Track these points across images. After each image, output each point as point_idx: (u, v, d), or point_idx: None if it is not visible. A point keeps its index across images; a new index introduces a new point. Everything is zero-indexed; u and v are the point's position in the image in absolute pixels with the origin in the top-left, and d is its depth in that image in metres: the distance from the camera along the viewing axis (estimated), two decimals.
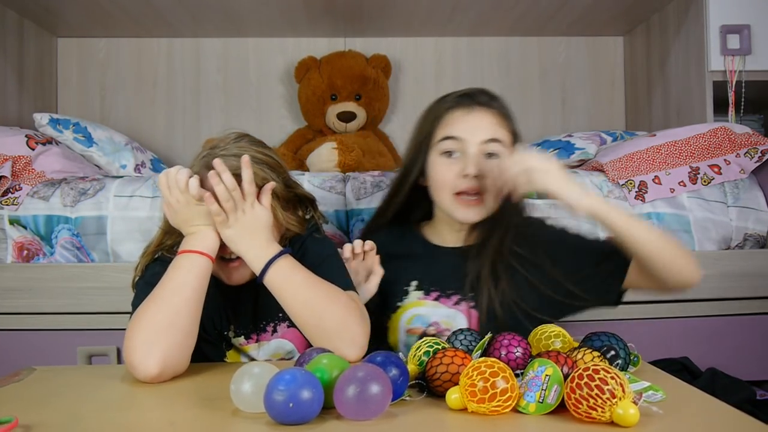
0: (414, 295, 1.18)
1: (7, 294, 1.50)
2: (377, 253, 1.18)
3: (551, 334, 0.90)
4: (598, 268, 1.12)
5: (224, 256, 1.06)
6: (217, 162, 1.00)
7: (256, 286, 1.09)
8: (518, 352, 0.83)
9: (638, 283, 1.11)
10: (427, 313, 1.16)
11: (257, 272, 1.02)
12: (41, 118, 1.85)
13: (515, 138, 1.18)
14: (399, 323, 1.18)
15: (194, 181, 1.00)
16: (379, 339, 1.18)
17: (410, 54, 2.60)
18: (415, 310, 1.17)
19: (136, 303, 1.01)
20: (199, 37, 2.54)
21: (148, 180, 1.62)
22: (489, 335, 0.89)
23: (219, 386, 0.86)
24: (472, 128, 1.14)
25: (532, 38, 2.61)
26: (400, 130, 2.53)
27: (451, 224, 1.20)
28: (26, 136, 1.73)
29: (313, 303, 0.99)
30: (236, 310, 1.13)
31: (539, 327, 0.93)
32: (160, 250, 1.12)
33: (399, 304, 1.18)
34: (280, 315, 1.11)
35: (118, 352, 1.48)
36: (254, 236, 1.02)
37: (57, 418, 0.76)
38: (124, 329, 1.47)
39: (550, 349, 0.86)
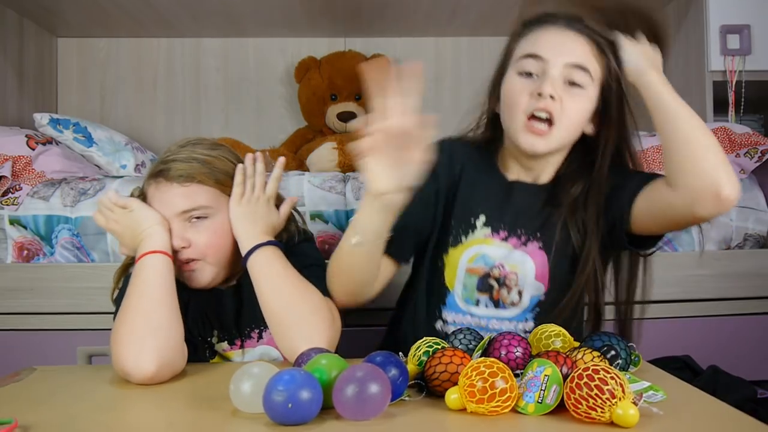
0: (481, 232, 1.07)
1: (7, 294, 1.50)
2: (440, 184, 1.09)
3: (551, 334, 0.90)
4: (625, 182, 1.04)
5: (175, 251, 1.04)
6: (259, 155, 1.11)
7: (239, 290, 1.10)
8: (518, 351, 0.83)
9: (661, 199, 0.98)
10: (493, 253, 1.06)
11: (244, 252, 1.03)
12: (41, 118, 1.85)
13: (614, 78, 1.04)
14: (460, 260, 1.07)
15: (111, 192, 1.08)
16: (428, 280, 1.10)
17: (410, 54, 2.60)
18: (479, 248, 1.07)
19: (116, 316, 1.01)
20: (199, 37, 2.54)
21: None
22: (489, 335, 0.89)
23: (218, 386, 0.86)
24: (559, 48, 1.00)
25: None
26: None
27: (518, 157, 1.08)
28: (26, 136, 1.73)
29: (284, 293, 1.00)
30: (219, 315, 1.11)
31: (539, 327, 0.93)
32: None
33: (463, 239, 1.07)
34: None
35: None
36: (254, 224, 1.05)
37: (57, 417, 0.76)
38: None
39: (549, 349, 0.86)
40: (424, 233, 1.09)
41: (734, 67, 1.95)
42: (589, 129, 1.08)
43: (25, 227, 1.55)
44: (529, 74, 1.02)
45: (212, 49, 2.57)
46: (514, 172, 1.11)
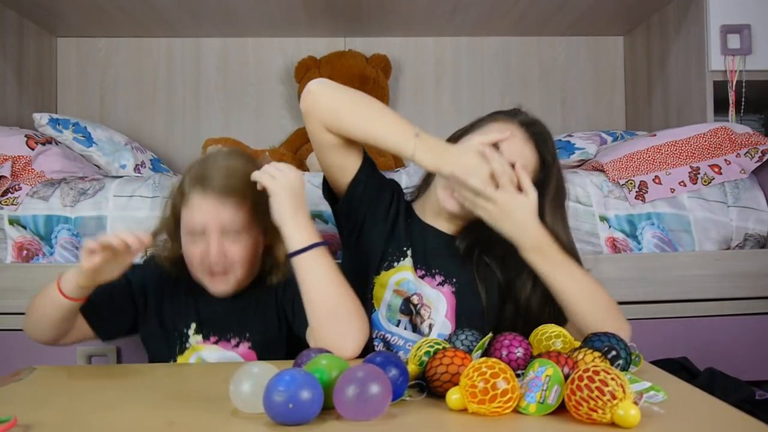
0: (408, 262, 1.19)
1: (7, 294, 1.50)
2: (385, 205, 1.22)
3: (552, 335, 0.90)
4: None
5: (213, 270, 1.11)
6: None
7: (236, 299, 1.15)
8: (519, 352, 0.83)
9: None
10: (415, 283, 1.18)
11: (291, 249, 1.05)
12: (41, 118, 1.85)
13: (545, 164, 1.18)
14: (389, 281, 1.18)
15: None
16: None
17: (410, 54, 2.60)
18: (406, 274, 1.18)
19: None
20: (199, 37, 2.54)
21: (147, 180, 1.62)
22: (490, 335, 0.89)
23: (218, 386, 0.86)
24: (513, 151, 1.13)
25: (532, 38, 2.61)
26: None
27: (439, 211, 1.21)
28: (26, 136, 1.73)
29: (334, 289, 1.04)
30: (203, 313, 1.16)
31: (539, 328, 0.93)
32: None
33: (396, 263, 1.19)
34: (247, 335, 1.16)
35: (118, 352, 1.48)
36: (300, 212, 1.07)
37: (57, 417, 0.76)
38: None
39: (550, 350, 0.86)
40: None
41: (735, 66, 1.95)
42: None
43: (24, 227, 1.55)
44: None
45: (212, 49, 2.57)
46: (430, 218, 1.23)
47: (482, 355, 0.86)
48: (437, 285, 1.19)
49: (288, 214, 1.06)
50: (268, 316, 1.17)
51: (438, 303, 1.17)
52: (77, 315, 1.11)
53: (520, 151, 1.15)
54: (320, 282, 1.04)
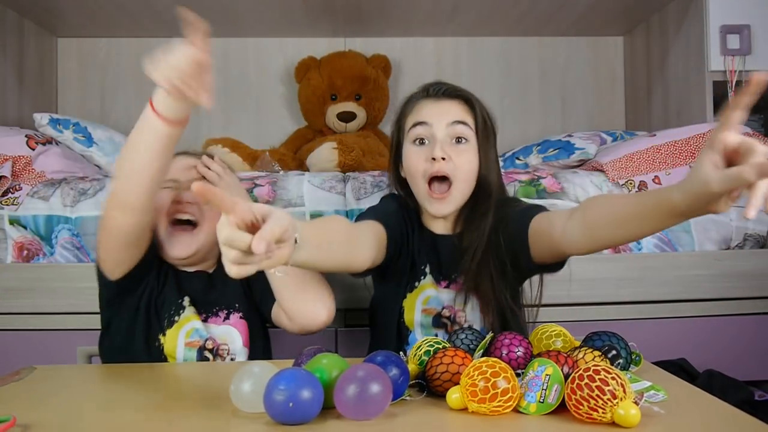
0: (428, 279, 1.18)
1: (7, 294, 1.50)
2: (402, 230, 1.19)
3: (552, 334, 0.90)
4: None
5: (182, 217, 1.17)
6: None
7: (210, 276, 1.22)
8: (519, 351, 0.83)
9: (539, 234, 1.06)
10: (441, 297, 1.17)
11: None
12: (41, 118, 1.85)
13: (486, 125, 1.18)
14: (416, 302, 1.17)
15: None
16: (383, 324, 1.20)
17: (410, 54, 2.60)
18: (429, 292, 1.17)
19: None
20: None
21: None
22: (490, 335, 0.89)
23: (218, 386, 0.86)
24: (439, 112, 1.15)
25: (532, 38, 2.62)
26: None
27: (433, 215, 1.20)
28: (26, 136, 1.73)
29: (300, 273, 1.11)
30: (189, 291, 1.20)
31: (540, 327, 0.93)
32: None
33: (416, 283, 1.18)
34: (237, 305, 1.21)
35: None
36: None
37: (56, 417, 0.76)
38: None
39: (550, 349, 0.86)
40: (384, 242, 1.13)
41: (734, 67, 1.95)
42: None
43: (25, 227, 1.55)
44: (421, 141, 1.15)
45: (212, 49, 2.55)
46: (437, 227, 1.21)
47: (483, 355, 0.86)
48: (461, 290, 1.17)
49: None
50: (246, 286, 1.22)
51: (469, 305, 1.16)
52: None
53: (459, 115, 1.15)
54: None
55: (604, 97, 2.63)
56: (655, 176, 1.64)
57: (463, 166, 1.13)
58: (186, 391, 0.88)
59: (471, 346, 0.89)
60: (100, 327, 1.47)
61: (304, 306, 1.10)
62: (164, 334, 1.15)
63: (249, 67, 2.58)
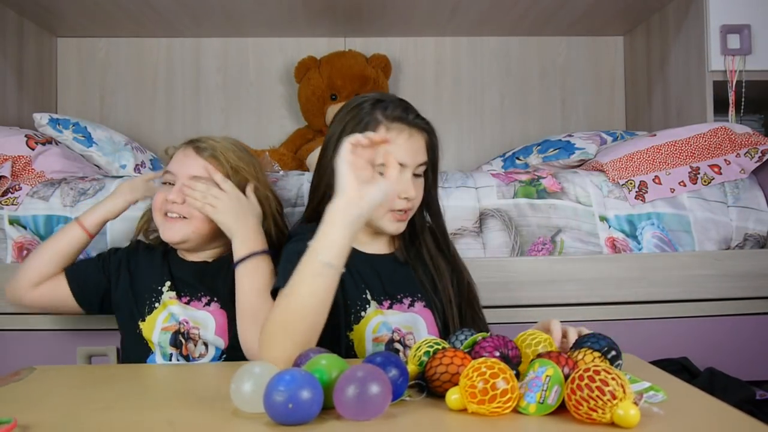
0: (373, 304, 1.15)
1: (7, 294, 1.49)
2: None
3: (533, 343, 0.89)
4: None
5: (171, 215, 1.22)
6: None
7: (205, 266, 1.27)
8: (497, 354, 0.82)
9: None
10: (388, 320, 1.14)
11: (236, 258, 1.16)
12: (41, 118, 1.85)
13: (437, 154, 1.20)
14: (365, 333, 1.14)
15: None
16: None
17: (410, 54, 2.60)
18: (377, 318, 1.14)
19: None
20: (199, 37, 2.54)
21: None
22: (482, 334, 0.88)
23: (219, 386, 0.86)
24: (412, 152, 1.13)
25: (532, 38, 2.62)
26: None
27: (366, 231, 1.19)
28: (26, 136, 1.73)
29: (258, 295, 1.14)
30: (176, 275, 1.26)
31: (524, 333, 0.91)
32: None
33: (362, 314, 1.14)
34: (221, 296, 1.24)
35: (118, 352, 1.48)
36: (246, 220, 1.19)
37: (56, 417, 0.76)
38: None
39: (551, 350, 0.86)
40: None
41: (734, 66, 1.95)
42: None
43: (24, 227, 1.55)
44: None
45: (212, 49, 2.57)
46: (371, 247, 1.20)
47: (469, 353, 0.85)
48: (408, 307, 1.16)
49: (233, 231, 1.18)
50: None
51: (418, 324, 1.16)
52: (69, 261, 1.31)
53: (424, 155, 1.16)
54: (248, 287, 1.15)
55: (604, 97, 2.63)
56: (656, 176, 1.64)
57: (419, 196, 1.18)
58: (186, 391, 0.88)
59: None
60: (105, 328, 1.49)
61: (252, 344, 1.13)
62: (144, 320, 1.23)
63: (249, 67, 2.58)
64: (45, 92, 2.44)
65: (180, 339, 1.20)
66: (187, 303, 1.24)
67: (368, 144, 0.95)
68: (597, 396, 0.68)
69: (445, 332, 1.17)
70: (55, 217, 1.55)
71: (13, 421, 0.70)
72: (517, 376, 0.77)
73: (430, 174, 1.20)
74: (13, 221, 1.55)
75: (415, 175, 1.16)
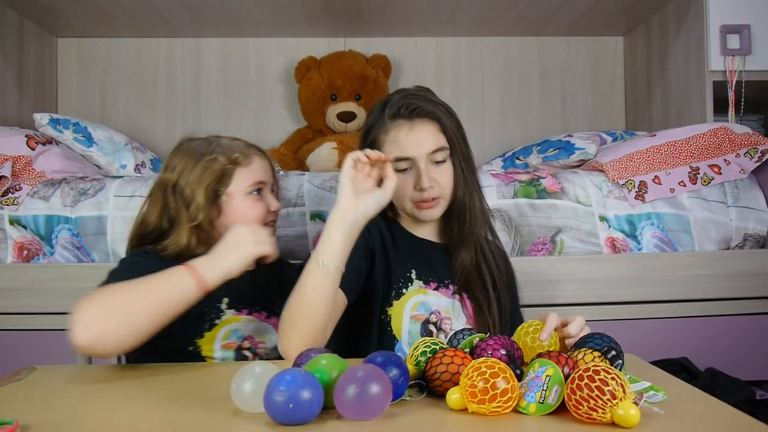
0: (417, 283, 1.19)
1: (7, 294, 1.50)
2: (372, 243, 1.20)
3: (530, 330, 0.90)
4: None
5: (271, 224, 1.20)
6: None
7: (253, 273, 1.15)
8: (503, 353, 0.82)
9: None
10: (429, 301, 1.18)
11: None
12: (41, 118, 1.85)
13: (458, 137, 1.20)
14: (404, 309, 1.18)
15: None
16: (370, 333, 1.18)
17: (410, 54, 2.61)
18: (418, 297, 1.18)
19: (110, 279, 1.07)
20: (199, 37, 2.55)
21: (148, 180, 1.62)
22: (482, 334, 0.89)
23: (219, 386, 0.86)
24: (417, 143, 1.16)
25: (532, 38, 2.62)
26: None
27: (416, 220, 1.24)
28: (26, 136, 1.73)
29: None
30: (230, 289, 1.13)
31: (523, 324, 0.93)
32: (145, 242, 1.18)
33: (404, 290, 1.19)
34: (277, 310, 1.14)
35: None
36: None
37: (57, 417, 0.76)
38: None
39: (551, 350, 0.86)
40: (364, 276, 1.17)
41: (734, 67, 1.95)
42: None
43: (25, 227, 1.55)
44: (404, 170, 1.17)
45: (212, 49, 2.57)
46: (423, 232, 1.25)
47: (470, 353, 0.85)
48: (452, 294, 1.19)
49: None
50: (284, 291, 1.18)
51: (458, 312, 1.18)
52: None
53: (436, 142, 1.16)
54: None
55: (604, 97, 2.63)
56: (655, 176, 1.64)
57: (446, 183, 1.19)
58: (187, 391, 0.88)
59: None
60: None
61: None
62: (202, 337, 1.13)
63: (249, 67, 2.58)
64: (45, 92, 2.44)
65: (244, 354, 1.15)
66: (249, 314, 1.18)
67: (369, 162, 1.04)
68: (597, 396, 0.68)
69: (482, 327, 1.19)
70: (56, 217, 1.55)
71: (15, 423, 0.70)
72: (521, 375, 0.77)
73: (459, 156, 1.20)
74: (14, 221, 1.55)
75: (436, 162, 1.17)
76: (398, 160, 1.17)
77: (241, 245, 1.07)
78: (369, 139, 1.21)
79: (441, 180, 1.18)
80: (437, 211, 1.19)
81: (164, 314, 0.99)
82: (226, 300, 1.17)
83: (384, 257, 1.20)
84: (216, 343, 1.14)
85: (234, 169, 1.17)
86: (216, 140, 1.22)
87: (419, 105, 1.17)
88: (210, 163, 1.16)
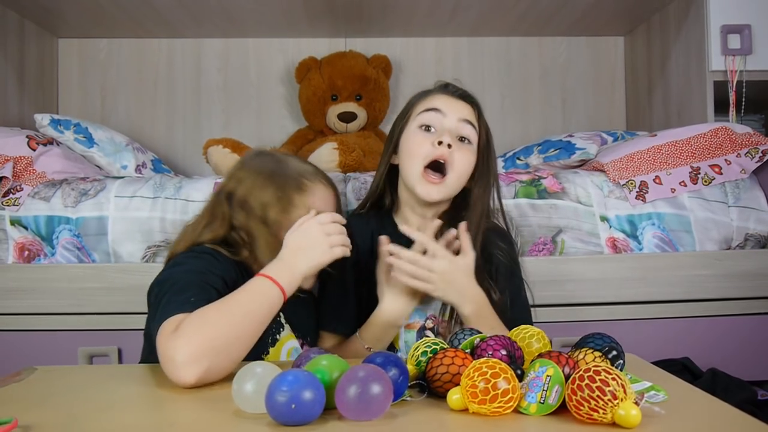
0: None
1: (8, 294, 1.50)
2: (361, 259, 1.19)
3: (526, 336, 0.90)
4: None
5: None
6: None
7: (313, 296, 1.17)
8: (504, 353, 0.82)
9: None
10: (422, 306, 1.16)
11: None
12: (42, 119, 1.85)
13: (488, 137, 1.22)
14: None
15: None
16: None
17: (410, 54, 2.60)
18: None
19: (177, 273, 1.00)
20: (200, 37, 2.55)
21: (149, 181, 1.62)
22: (483, 334, 0.89)
23: (220, 386, 0.86)
24: (453, 106, 1.17)
25: (532, 38, 2.62)
26: None
27: (414, 208, 1.20)
28: (27, 136, 1.73)
29: None
30: (293, 315, 1.14)
31: (516, 329, 0.92)
32: (198, 243, 1.10)
33: None
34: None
35: (119, 352, 1.48)
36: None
37: (57, 418, 0.76)
38: (125, 329, 1.46)
39: (551, 350, 0.86)
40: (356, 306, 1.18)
41: (735, 66, 1.95)
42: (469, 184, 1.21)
43: (26, 228, 1.55)
44: (428, 128, 1.16)
45: (212, 50, 2.57)
46: (413, 228, 1.17)
47: (471, 353, 0.85)
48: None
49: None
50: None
51: (448, 312, 1.16)
52: None
53: (469, 115, 1.18)
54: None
55: (605, 97, 2.63)
56: (656, 176, 1.64)
57: (462, 162, 1.15)
58: (187, 391, 0.88)
59: None
60: (107, 328, 1.47)
61: None
62: (268, 353, 1.10)
63: (249, 68, 2.58)
64: (46, 93, 2.44)
65: None
66: (301, 345, 1.16)
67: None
68: (598, 396, 0.68)
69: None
70: (57, 218, 1.55)
71: (13, 421, 0.70)
72: (522, 376, 0.77)
73: (485, 153, 1.20)
74: (15, 222, 1.55)
75: (461, 138, 1.16)
76: (428, 110, 1.16)
77: (317, 246, 1.02)
78: (405, 115, 1.21)
79: (458, 154, 1.14)
80: (437, 192, 1.14)
81: (258, 334, 0.95)
82: (282, 314, 1.12)
83: (372, 265, 1.16)
84: (281, 359, 1.10)
85: (296, 195, 1.12)
86: (285, 159, 1.20)
87: (467, 91, 1.21)
88: (282, 184, 1.13)
